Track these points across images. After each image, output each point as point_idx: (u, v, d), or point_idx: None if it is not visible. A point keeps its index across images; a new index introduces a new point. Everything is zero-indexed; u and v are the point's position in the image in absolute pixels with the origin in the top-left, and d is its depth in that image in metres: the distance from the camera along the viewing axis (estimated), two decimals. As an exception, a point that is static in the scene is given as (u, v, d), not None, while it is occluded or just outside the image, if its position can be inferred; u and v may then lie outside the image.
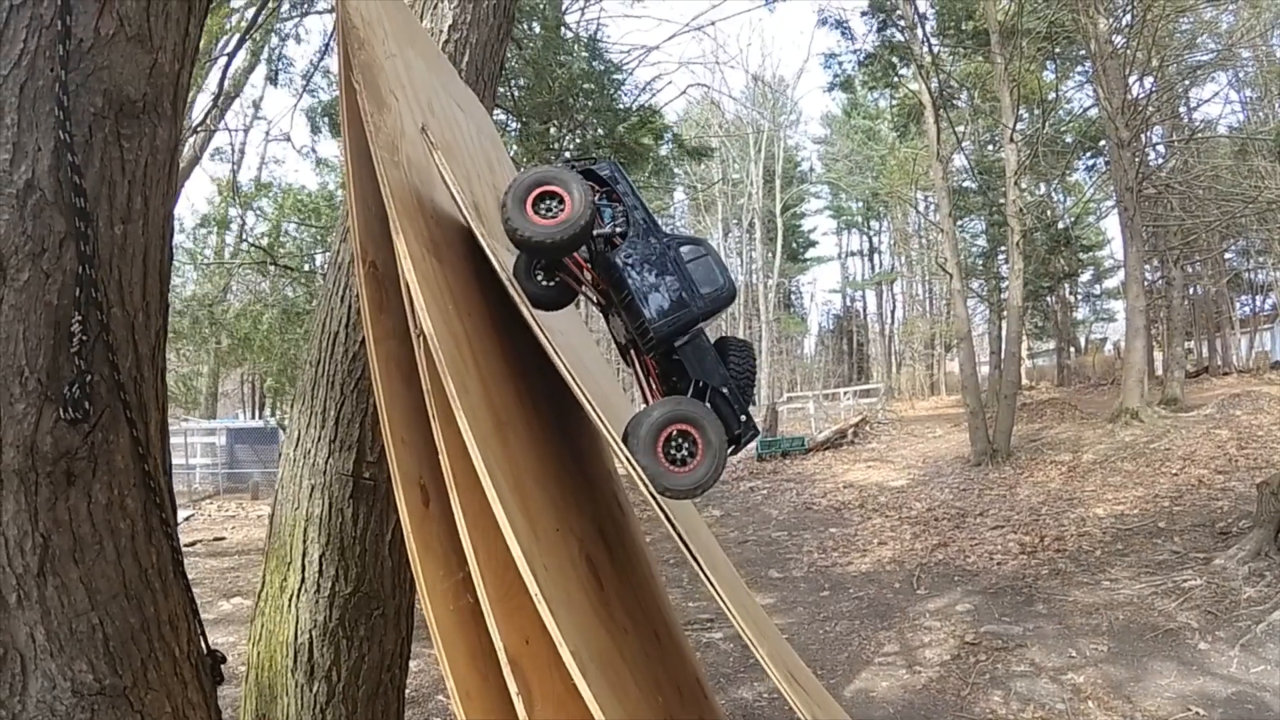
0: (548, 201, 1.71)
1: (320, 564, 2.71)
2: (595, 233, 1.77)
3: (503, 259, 1.74)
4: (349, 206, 1.76)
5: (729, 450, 1.74)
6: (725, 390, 1.77)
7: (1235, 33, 18.52)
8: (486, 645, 1.37)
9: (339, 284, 2.84)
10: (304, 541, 2.73)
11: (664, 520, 1.58)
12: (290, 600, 2.75)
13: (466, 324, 1.66)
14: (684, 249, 1.81)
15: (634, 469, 1.58)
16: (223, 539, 12.88)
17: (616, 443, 1.57)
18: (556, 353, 1.58)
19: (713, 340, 1.88)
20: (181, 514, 15.06)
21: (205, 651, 1.85)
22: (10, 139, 1.40)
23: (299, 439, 2.80)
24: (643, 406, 1.78)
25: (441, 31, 3.24)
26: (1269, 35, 19.74)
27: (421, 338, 1.44)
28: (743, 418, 1.78)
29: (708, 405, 1.70)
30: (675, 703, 2.14)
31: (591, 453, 2.64)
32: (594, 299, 1.88)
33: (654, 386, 1.83)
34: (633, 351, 1.86)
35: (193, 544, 11.94)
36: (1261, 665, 4.80)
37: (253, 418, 31.07)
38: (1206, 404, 15.60)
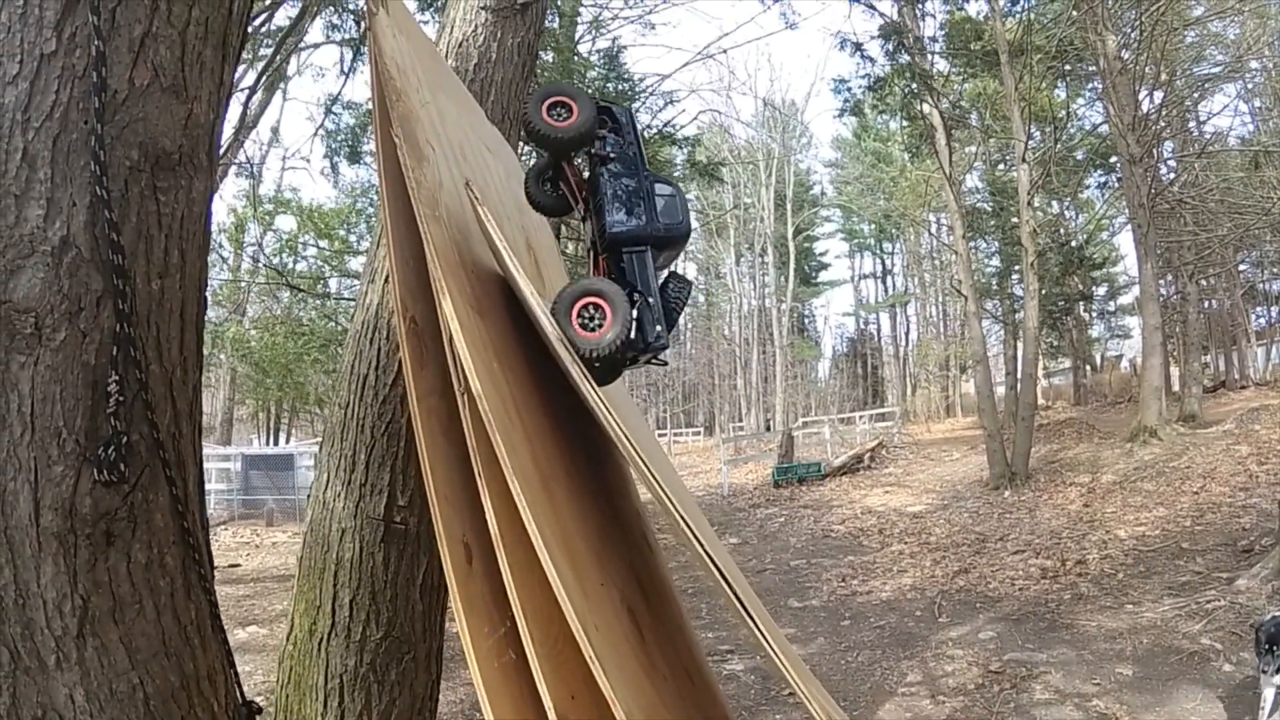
0: (558, 110, 2.01)
1: (351, 608, 2.69)
2: (592, 151, 2.08)
3: (544, 312, 1.73)
4: (390, 262, 1.75)
5: (638, 358, 2.00)
6: (650, 300, 1.98)
7: (1243, 43, 18.54)
8: (530, 698, 1.36)
9: (368, 326, 2.84)
10: (334, 585, 2.72)
11: (707, 563, 1.57)
12: (320, 644, 2.73)
13: (509, 379, 1.65)
14: (658, 185, 2.08)
15: (562, 336, 1.74)
16: (238, 566, 12.88)
17: (660, 489, 1.56)
18: (610, 416, 1.56)
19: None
20: None
21: (241, 702, 1.83)
22: (44, 194, 1.38)
23: (328, 481, 2.79)
24: None
25: (467, 71, 3.26)
26: (1277, 44, 19.75)
27: (467, 395, 1.43)
28: (657, 328, 1.97)
29: (625, 294, 1.91)
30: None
31: (620, 490, 2.62)
32: (579, 209, 2.16)
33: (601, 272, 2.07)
34: (592, 252, 2.10)
35: None
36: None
37: (268, 443, 31.20)
38: (1225, 419, 15.44)
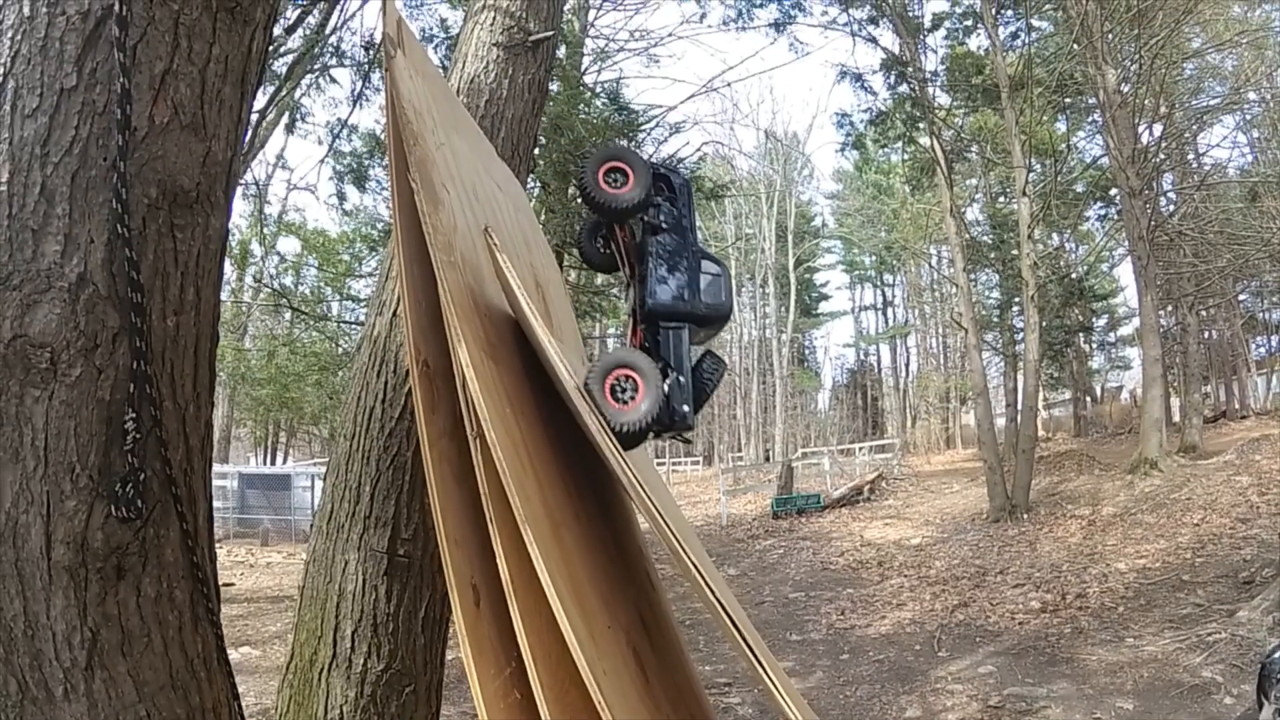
0: (615, 175, 2.00)
1: (353, 640, 2.69)
2: (645, 219, 2.08)
3: (563, 364, 1.75)
4: (404, 305, 1.75)
5: (663, 434, 2.01)
6: (681, 379, 1.98)
7: (1241, 74, 18.73)
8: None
9: (375, 358, 2.87)
10: (336, 616, 2.73)
11: (707, 595, 1.58)
12: (321, 675, 2.73)
13: (521, 424, 1.66)
14: (705, 263, 2.10)
15: (595, 413, 1.74)
16: (231, 585, 12.80)
17: (671, 535, 1.57)
18: (629, 469, 1.57)
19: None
20: None
21: (245, 734, 1.84)
22: (62, 230, 1.38)
23: (331, 512, 2.80)
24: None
25: (478, 107, 3.30)
26: (1275, 76, 19.94)
27: (480, 441, 1.44)
28: (685, 408, 1.97)
29: (658, 370, 1.91)
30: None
31: (625, 527, 2.62)
32: (625, 271, 2.15)
33: (637, 342, 2.07)
34: (631, 319, 2.10)
35: None
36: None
37: (266, 462, 31.11)
38: (1226, 450, 15.43)
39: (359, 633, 2.69)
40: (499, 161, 3.08)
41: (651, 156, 13.28)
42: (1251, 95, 20.25)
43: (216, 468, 21.75)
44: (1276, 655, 3.78)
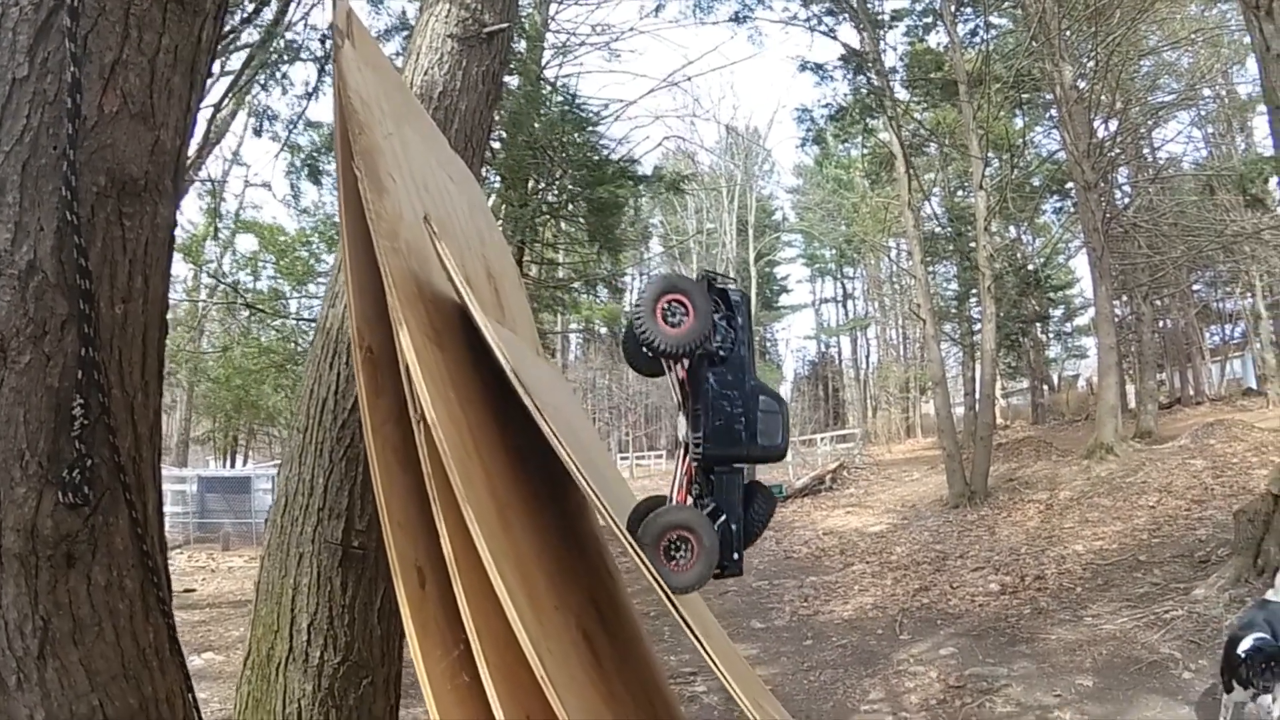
0: (674, 307, 1.85)
1: (309, 633, 2.70)
2: (699, 352, 1.91)
3: (501, 342, 1.77)
4: (348, 292, 1.77)
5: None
6: (734, 526, 1.90)
7: (1196, 72, 19.14)
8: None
9: (327, 351, 2.86)
10: (292, 610, 2.72)
11: (655, 588, 1.62)
12: (278, 669, 2.73)
13: (467, 410, 1.68)
14: (763, 398, 1.97)
15: (641, 562, 1.68)
16: (193, 591, 12.61)
17: (621, 530, 1.61)
18: (564, 446, 1.60)
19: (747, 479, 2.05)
20: None
21: (200, 727, 1.84)
22: (12, 218, 1.39)
23: (286, 506, 2.80)
24: (657, 495, 2.01)
25: (432, 99, 3.31)
26: (1229, 73, 20.41)
27: (422, 423, 1.47)
28: (735, 555, 1.90)
29: (712, 525, 1.82)
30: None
31: (580, 513, 2.65)
32: (676, 394, 2.03)
33: (683, 487, 1.96)
34: (680, 451, 1.99)
35: None
36: (1248, 690, 4.79)
37: (225, 465, 30.62)
38: (1181, 435, 15.75)
39: (315, 625, 2.69)
40: (453, 155, 3.09)
41: (611, 153, 13.31)
42: (1206, 92, 20.72)
43: (176, 472, 21.44)
44: (1246, 646, 3.87)
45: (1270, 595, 4.46)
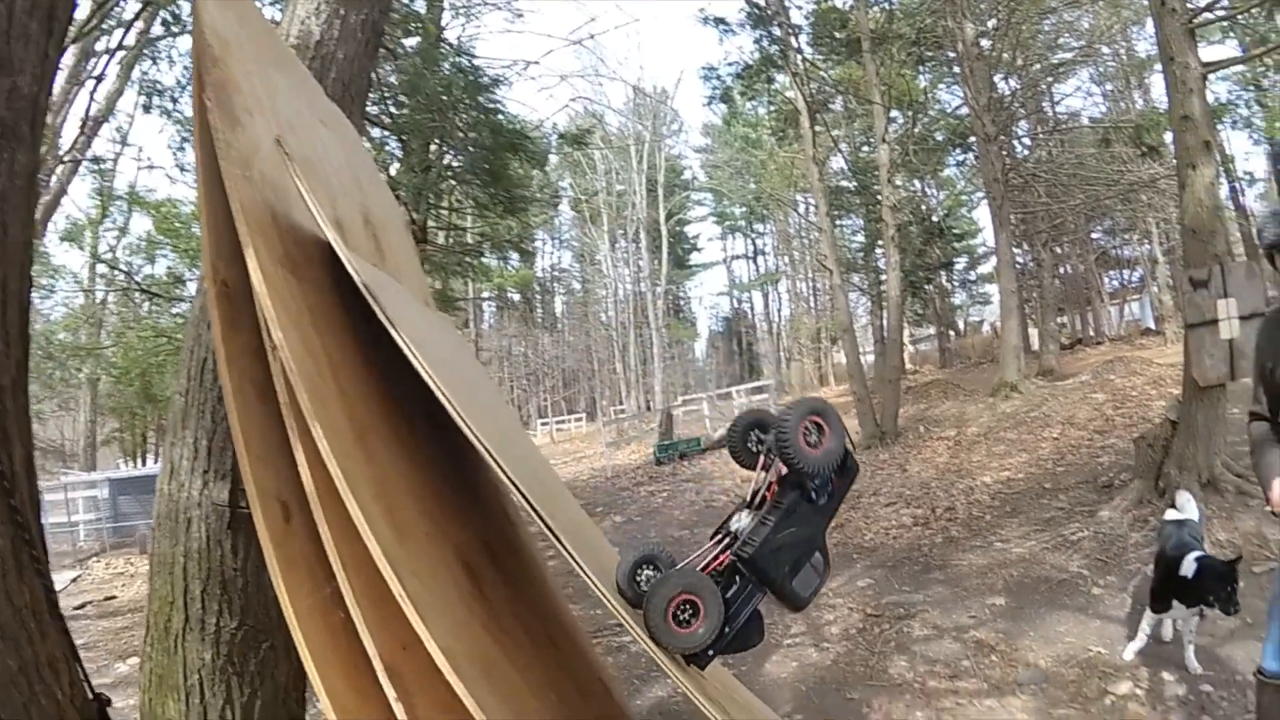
0: (815, 434, 2.06)
1: (203, 600, 2.60)
2: (807, 482, 2.13)
3: (364, 272, 1.72)
4: (202, 227, 1.72)
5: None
6: (727, 630, 2.08)
7: (1096, 31, 19.79)
8: (365, 658, 1.36)
9: (206, 311, 2.75)
10: (184, 578, 2.63)
11: (538, 520, 1.61)
12: (176, 641, 2.63)
13: (326, 339, 1.64)
14: (818, 554, 2.19)
15: (641, 627, 1.87)
16: (114, 598, 12.12)
17: (505, 473, 1.58)
18: (434, 379, 1.57)
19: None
20: (69, 575, 14.07)
21: (90, 696, 1.77)
22: None
23: (172, 472, 2.69)
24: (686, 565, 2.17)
25: (308, 48, 3.18)
26: (1129, 32, 21.16)
27: (275, 351, 1.42)
28: (709, 651, 2.06)
29: (720, 603, 2.00)
30: (575, 700, 2.16)
31: (484, 466, 2.62)
32: (754, 499, 2.24)
33: (712, 567, 2.15)
34: (727, 537, 2.20)
35: (82, 606, 11.17)
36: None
37: (136, 465, 29.45)
38: (1082, 372, 16.40)
39: (208, 591, 2.60)
40: (329, 103, 3.00)
41: (513, 117, 13.11)
42: (1105, 50, 21.45)
43: (85, 477, 20.54)
44: (1191, 564, 3.92)
45: (1170, 515, 4.64)
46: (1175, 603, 4.07)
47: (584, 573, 1.58)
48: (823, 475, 2.10)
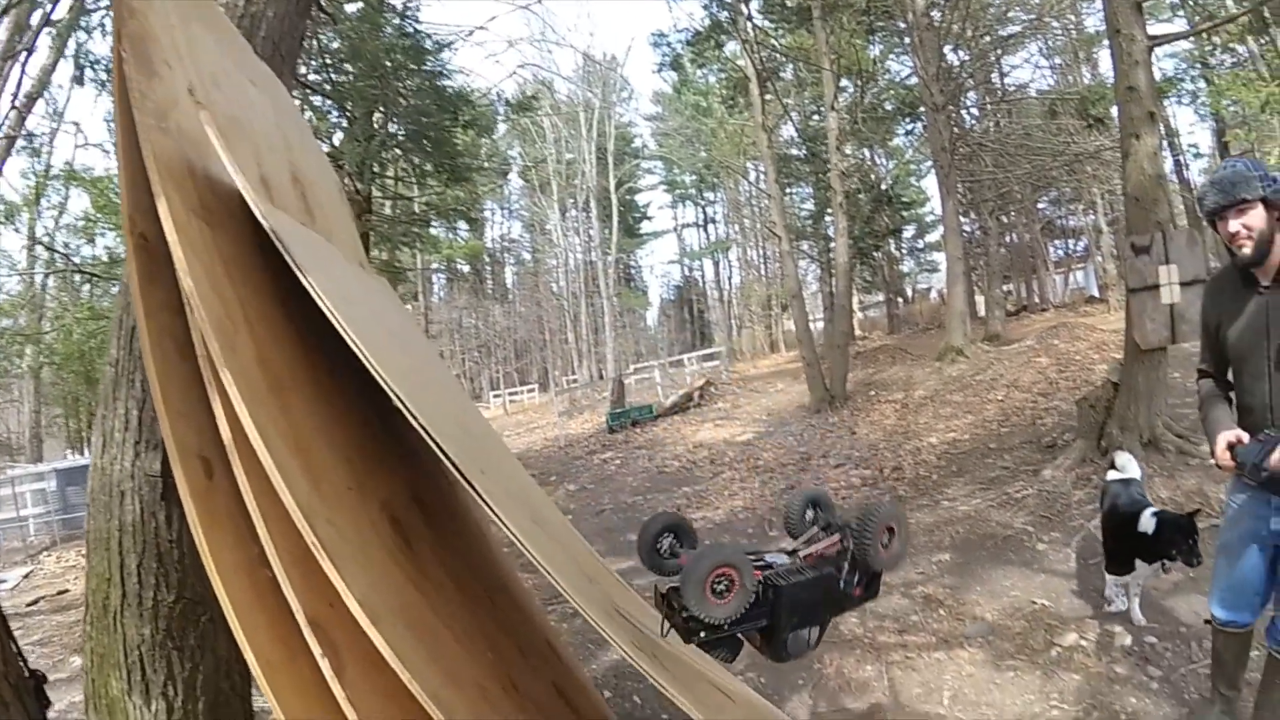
0: (888, 537, 2.29)
1: (139, 574, 2.54)
2: (843, 573, 2.33)
3: (273, 218, 1.68)
4: (120, 180, 1.67)
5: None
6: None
7: (1045, 5, 20.00)
8: (292, 615, 1.34)
9: (131, 275, 2.66)
10: (120, 552, 2.56)
11: (473, 492, 1.60)
12: (115, 618, 2.57)
13: (242, 290, 1.61)
14: (816, 630, 2.34)
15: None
16: (66, 591, 11.78)
17: (416, 418, 1.56)
18: (348, 330, 1.54)
19: None
20: (20, 571, 13.70)
21: (27, 674, 1.72)
22: None
23: (105, 445, 2.61)
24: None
25: (236, 6, 3.08)
26: (1078, 7, 21.40)
27: (186, 298, 1.38)
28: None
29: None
30: (515, 658, 2.16)
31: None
32: (798, 552, 2.41)
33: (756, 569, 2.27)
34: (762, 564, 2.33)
35: (35, 602, 10.87)
36: (1096, 557, 5.11)
37: (84, 454, 28.67)
38: (1027, 337, 16.74)
39: (144, 565, 2.54)
40: (256, 61, 2.91)
41: (457, 83, 12.91)
42: (1055, 24, 21.69)
43: (33, 469, 19.88)
44: (1149, 520, 3.94)
45: (1112, 475, 4.69)
46: (1138, 562, 4.07)
47: (499, 519, 1.57)
48: (877, 571, 2.36)
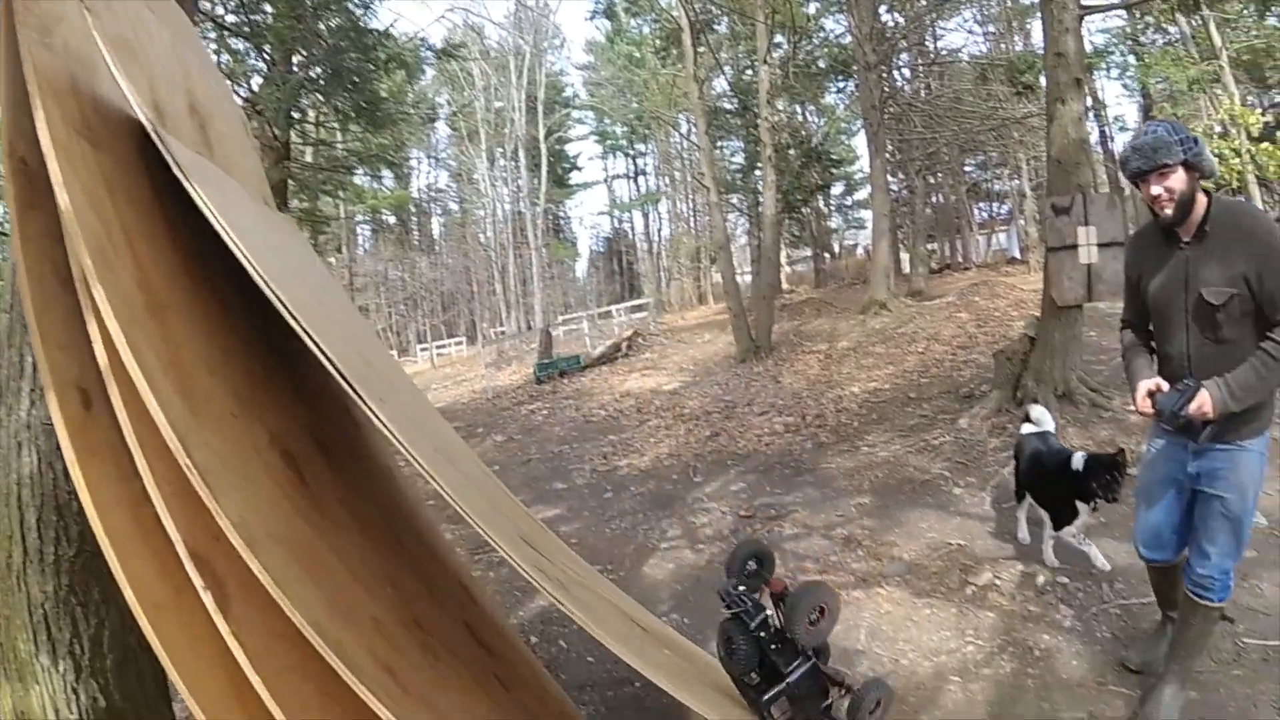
0: (817, 616, 2.62)
1: (39, 528, 2.43)
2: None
3: (171, 142, 1.61)
4: (2, 101, 1.56)
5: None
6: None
7: None
8: (176, 551, 1.30)
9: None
10: (19, 507, 2.45)
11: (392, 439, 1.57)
12: (18, 577, 2.46)
13: (123, 210, 1.53)
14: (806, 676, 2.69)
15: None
16: None
17: (325, 354, 1.52)
18: (246, 255, 1.48)
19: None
20: None
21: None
22: None
23: (0, 395, 2.48)
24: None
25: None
26: None
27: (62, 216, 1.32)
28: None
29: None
30: (421, 598, 2.15)
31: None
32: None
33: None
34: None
35: None
36: (1009, 501, 5.29)
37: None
38: (948, 294, 17.15)
39: (44, 519, 2.43)
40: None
41: (392, 26, 12.46)
42: None
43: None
44: (1080, 462, 4.04)
45: (1027, 428, 4.83)
46: (1078, 504, 4.14)
47: (399, 443, 1.55)
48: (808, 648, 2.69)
